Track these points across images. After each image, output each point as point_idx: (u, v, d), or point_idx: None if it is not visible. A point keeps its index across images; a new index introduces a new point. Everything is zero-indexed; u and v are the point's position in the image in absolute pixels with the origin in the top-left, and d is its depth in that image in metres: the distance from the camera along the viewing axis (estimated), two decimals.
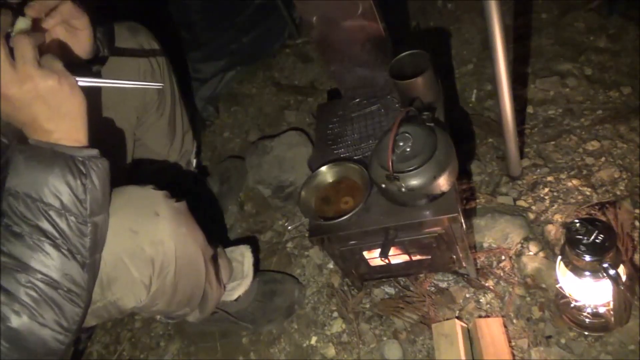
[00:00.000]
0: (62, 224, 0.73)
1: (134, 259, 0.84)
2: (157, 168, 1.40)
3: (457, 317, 1.15)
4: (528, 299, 1.15)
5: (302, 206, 1.06)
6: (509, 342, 1.08)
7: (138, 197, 0.87)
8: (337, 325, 1.27)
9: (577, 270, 0.92)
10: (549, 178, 1.31)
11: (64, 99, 0.74)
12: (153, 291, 0.88)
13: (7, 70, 0.70)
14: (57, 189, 0.72)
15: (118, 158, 1.17)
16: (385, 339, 1.20)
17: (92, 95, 1.11)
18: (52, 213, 0.72)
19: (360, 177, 1.06)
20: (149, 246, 0.84)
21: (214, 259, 1.08)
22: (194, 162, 1.55)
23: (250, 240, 1.50)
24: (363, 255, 1.12)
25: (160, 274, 0.88)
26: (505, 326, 1.11)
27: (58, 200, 0.72)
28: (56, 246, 0.72)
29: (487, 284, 1.19)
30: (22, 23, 0.79)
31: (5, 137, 0.81)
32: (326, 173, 1.10)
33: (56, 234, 0.72)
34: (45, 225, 0.72)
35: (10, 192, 0.72)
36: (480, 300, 1.18)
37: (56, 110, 0.73)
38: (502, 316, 1.13)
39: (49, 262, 0.72)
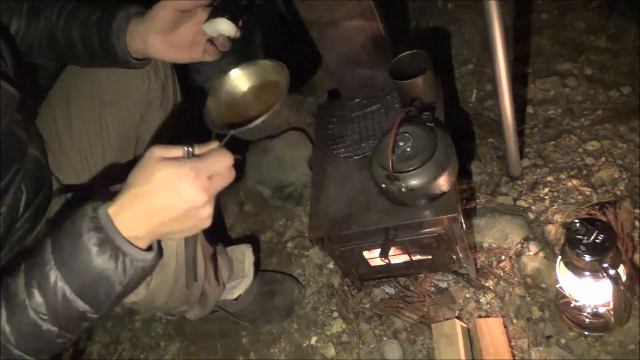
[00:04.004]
0: None
1: None
2: None
3: (457, 317, 1.15)
4: (528, 299, 1.15)
5: (208, 117, 0.88)
6: (509, 342, 1.08)
7: None
8: (337, 325, 1.27)
9: (577, 270, 0.92)
10: (549, 178, 1.31)
11: (190, 224, 0.66)
12: (152, 286, 0.88)
13: (190, 165, 0.62)
14: None
15: (120, 158, 1.16)
16: (385, 339, 1.20)
17: (92, 95, 1.12)
18: None
19: (281, 77, 0.87)
20: None
21: (214, 257, 1.08)
22: None
23: (250, 240, 1.50)
24: (363, 255, 1.12)
25: (161, 270, 0.87)
26: (505, 326, 1.11)
27: None
28: None
29: (487, 284, 1.19)
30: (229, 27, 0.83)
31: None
32: (237, 78, 0.90)
33: None
34: None
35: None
36: (480, 300, 1.18)
37: (175, 225, 0.65)
38: (502, 316, 1.13)
39: None
